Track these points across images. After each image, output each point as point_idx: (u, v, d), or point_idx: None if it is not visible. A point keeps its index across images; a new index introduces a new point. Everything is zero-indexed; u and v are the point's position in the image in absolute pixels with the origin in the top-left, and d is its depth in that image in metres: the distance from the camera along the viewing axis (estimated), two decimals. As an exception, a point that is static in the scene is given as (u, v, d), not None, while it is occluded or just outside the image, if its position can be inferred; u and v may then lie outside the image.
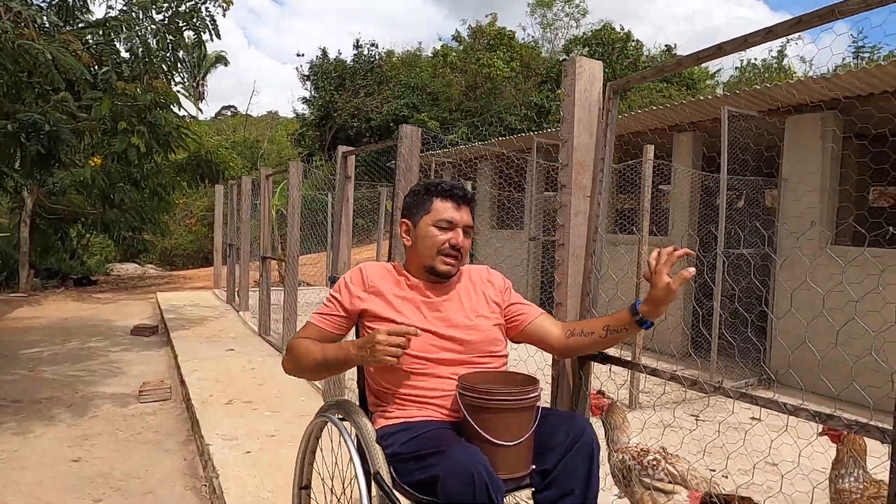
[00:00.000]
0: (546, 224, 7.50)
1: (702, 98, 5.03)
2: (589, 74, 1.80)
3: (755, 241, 4.93)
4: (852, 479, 1.83)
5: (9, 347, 5.99)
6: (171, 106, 4.94)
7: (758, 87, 4.56)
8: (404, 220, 1.69)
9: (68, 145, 4.83)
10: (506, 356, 1.70)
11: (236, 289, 8.43)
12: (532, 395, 1.46)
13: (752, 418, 3.90)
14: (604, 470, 1.56)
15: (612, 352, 1.74)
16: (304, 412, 3.61)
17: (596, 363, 1.81)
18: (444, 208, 1.62)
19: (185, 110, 5.64)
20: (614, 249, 6.64)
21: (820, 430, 1.72)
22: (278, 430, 3.41)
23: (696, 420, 3.94)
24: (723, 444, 3.31)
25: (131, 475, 3.18)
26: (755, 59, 19.56)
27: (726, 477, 3.08)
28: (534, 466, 1.47)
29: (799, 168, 4.67)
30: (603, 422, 2.30)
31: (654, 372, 1.64)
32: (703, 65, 22.79)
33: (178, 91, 5.23)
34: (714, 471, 3.10)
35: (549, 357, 1.82)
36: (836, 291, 3.77)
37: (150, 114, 4.81)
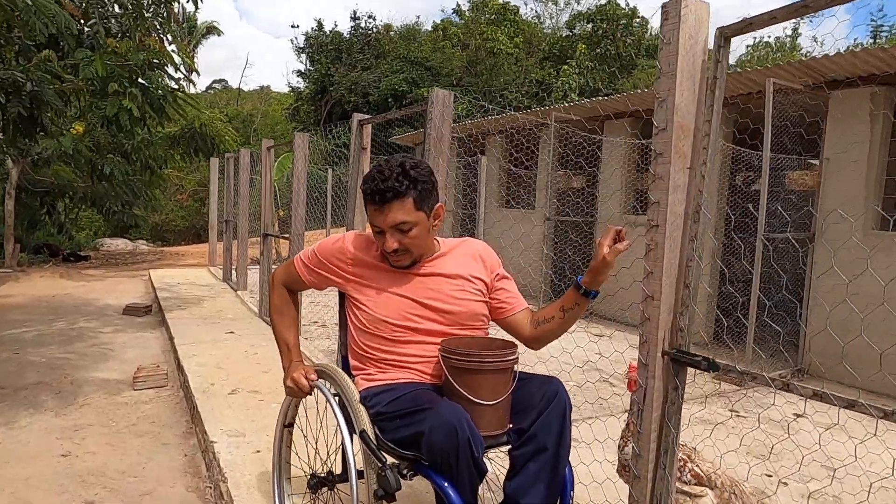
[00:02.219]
0: (559, 205, 7.18)
1: (740, 70, 4.68)
2: (695, 18, 1.46)
3: (774, 224, 4.64)
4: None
5: (-8, 327, 5.64)
6: (166, 67, 4.53)
7: (803, 59, 4.22)
8: None
9: (53, 108, 4.43)
10: (486, 331, 1.76)
11: (233, 267, 8.07)
12: (510, 357, 1.55)
13: (795, 414, 3.64)
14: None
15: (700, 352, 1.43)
16: (316, 404, 3.30)
17: (692, 368, 1.50)
18: (370, 212, 1.63)
19: (182, 73, 5.20)
20: (632, 233, 6.34)
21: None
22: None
23: (735, 415, 3.68)
24: (767, 441, 3.06)
25: (126, 473, 2.88)
26: (769, 36, 19.10)
27: (770, 476, 2.82)
28: (511, 425, 1.56)
29: (844, 147, 4.35)
30: (633, 401, 2.09)
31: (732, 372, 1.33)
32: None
33: (173, 51, 4.81)
34: (770, 475, 2.85)
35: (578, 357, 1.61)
36: (882, 278, 3.50)
37: (143, 75, 4.41)
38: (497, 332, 1.86)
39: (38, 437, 3.25)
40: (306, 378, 1.70)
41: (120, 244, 16.00)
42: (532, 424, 1.52)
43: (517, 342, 1.70)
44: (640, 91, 5.46)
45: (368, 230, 1.74)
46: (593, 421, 3.40)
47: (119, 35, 4.47)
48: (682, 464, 1.83)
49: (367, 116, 3.53)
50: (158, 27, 4.62)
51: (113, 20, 4.48)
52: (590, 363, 4.74)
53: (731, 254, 5.69)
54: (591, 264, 1.55)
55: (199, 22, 27.10)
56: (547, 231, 7.43)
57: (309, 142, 4.69)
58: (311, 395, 1.75)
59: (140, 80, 4.51)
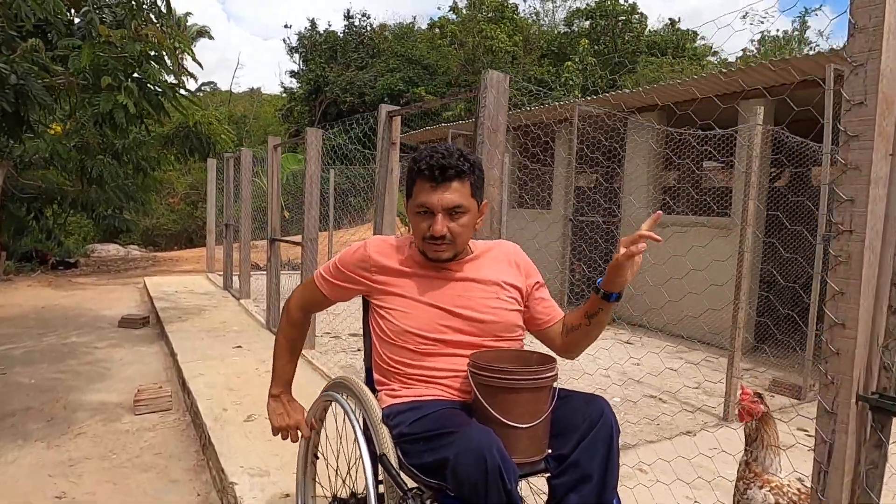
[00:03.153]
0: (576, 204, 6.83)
1: (796, 56, 4.35)
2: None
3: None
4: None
5: (-24, 343, 5.21)
6: (166, 59, 4.13)
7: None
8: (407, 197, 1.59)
9: (41, 104, 4.01)
10: (521, 341, 1.61)
11: (234, 274, 7.66)
12: (549, 374, 1.38)
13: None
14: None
15: None
16: (335, 420, 2.92)
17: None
18: (421, 190, 1.49)
19: (184, 69, 4.80)
20: (661, 232, 6.00)
21: None
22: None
23: (808, 435, 3.34)
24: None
25: (132, 520, 2.49)
26: (777, 30, 18.86)
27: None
28: (549, 451, 1.40)
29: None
30: (747, 434, 1.88)
31: None
32: (707, 41, 22.11)
33: (175, 46, 4.41)
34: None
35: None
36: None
37: (140, 68, 4.00)
38: (531, 344, 1.68)
39: (28, 475, 2.85)
40: (297, 428, 1.72)
41: (111, 250, 15.51)
42: (574, 450, 1.36)
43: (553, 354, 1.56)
44: (668, 83, 5.13)
45: (390, 235, 1.66)
46: (644, 446, 3.04)
47: (114, 25, 4.06)
48: None
49: (395, 108, 3.16)
50: (156, 19, 4.21)
51: (107, 10, 4.07)
52: (626, 375, 4.38)
53: (770, 257, 5.37)
54: (608, 266, 1.42)
55: (189, 25, 26.60)
56: (566, 232, 7.09)
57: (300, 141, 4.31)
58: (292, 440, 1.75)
59: (136, 73, 4.11)
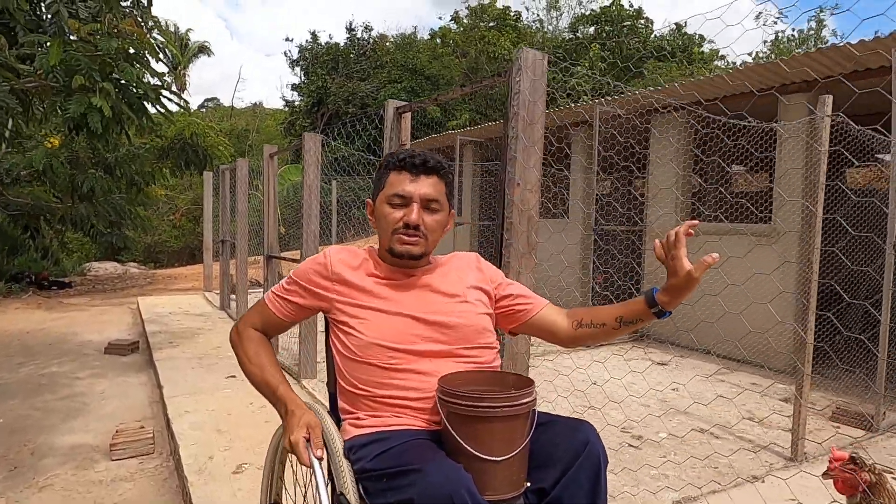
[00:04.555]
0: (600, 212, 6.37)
1: (849, 43, 3.91)
2: None
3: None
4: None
5: (-53, 375, 4.76)
6: (146, 57, 3.72)
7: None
8: (368, 199, 1.54)
9: (8, 112, 3.61)
10: (496, 349, 1.50)
11: (230, 293, 7.22)
12: (526, 399, 1.24)
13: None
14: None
15: None
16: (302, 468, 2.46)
17: None
18: (397, 181, 1.43)
19: (166, 63, 4.36)
20: (692, 242, 5.53)
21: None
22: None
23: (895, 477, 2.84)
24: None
25: None
26: (793, 28, 18.44)
27: None
28: (528, 484, 1.27)
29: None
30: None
31: None
32: (714, 45, 21.72)
33: (156, 40, 4.00)
34: None
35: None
36: None
37: (118, 67, 3.59)
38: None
39: (-25, 545, 2.39)
40: (311, 452, 1.28)
41: (109, 268, 15.12)
42: (556, 484, 1.26)
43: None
44: (700, 78, 4.70)
45: (351, 244, 1.31)
46: (702, 501, 2.55)
47: (89, 19, 3.65)
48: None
49: (403, 103, 2.72)
50: (135, 11, 3.80)
51: (79, 2, 3.67)
52: (668, 404, 3.89)
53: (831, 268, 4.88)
54: (672, 282, 1.29)
55: (190, 42, 26.39)
56: (587, 242, 6.64)
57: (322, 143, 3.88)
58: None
59: (114, 73, 3.70)
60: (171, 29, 24.05)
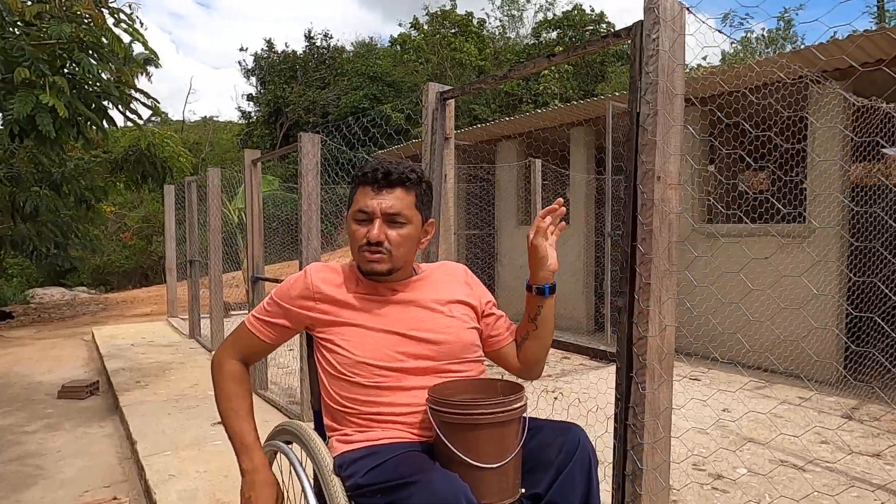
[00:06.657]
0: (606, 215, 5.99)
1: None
2: None
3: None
4: None
5: None
6: (105, 46, 3.08)
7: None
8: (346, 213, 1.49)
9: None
10: (483, 362, 1.49)
11: (201, 319, 6.50)
12: (517, 405, 1.26)
13: None
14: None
15: None
16: (280, 471, 1.92)
17: None
18: (361, 196, 1.40)
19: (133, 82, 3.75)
20: (711, 244, 5.20)
21: None
22: None
23: None
24: None
25: None
26: (763, 28, 18.70)
27: None
28: (523, 490, 1.28)
29: None
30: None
31: None
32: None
33: (124, 24, 3.38)
34: None
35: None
36: None
37: (72, 58, 2.97)
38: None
39: None
40: None
41: (55, 294, 13.93)
42: (550, 487, 1.25)
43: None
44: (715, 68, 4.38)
45: (333, 260, 1.58)
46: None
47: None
48: None
49: (447, 87, 2.21)
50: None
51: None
52: (729, 431, 3.49)
53: (860, 265, 4.60)
54: (529, 258, 1.40)
55: (135, 53, 25.05)
56: (590, 250, 6.25)
57: (319, 144, 3.33)
58: None
59: (66, 68, 3.07)
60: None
